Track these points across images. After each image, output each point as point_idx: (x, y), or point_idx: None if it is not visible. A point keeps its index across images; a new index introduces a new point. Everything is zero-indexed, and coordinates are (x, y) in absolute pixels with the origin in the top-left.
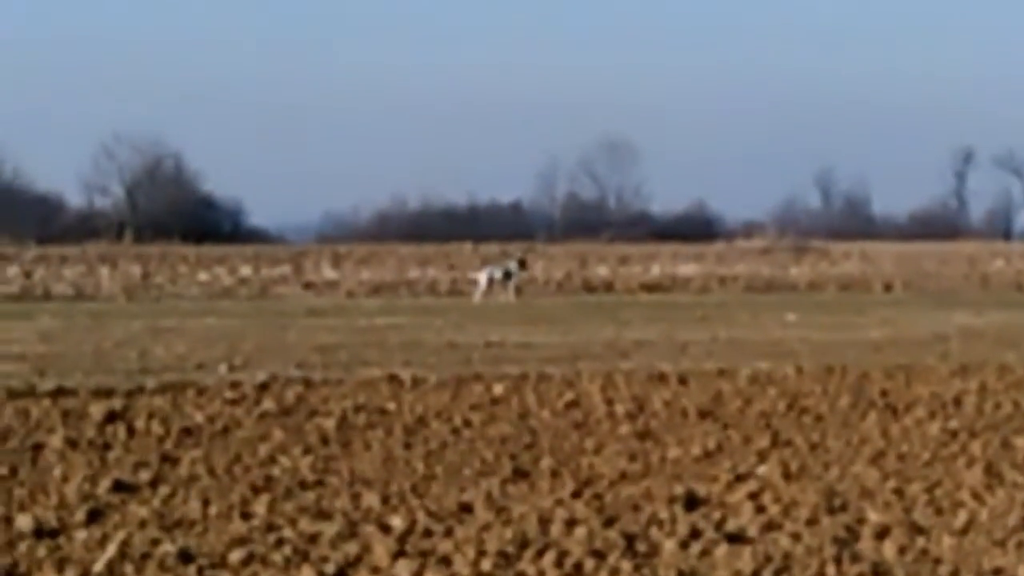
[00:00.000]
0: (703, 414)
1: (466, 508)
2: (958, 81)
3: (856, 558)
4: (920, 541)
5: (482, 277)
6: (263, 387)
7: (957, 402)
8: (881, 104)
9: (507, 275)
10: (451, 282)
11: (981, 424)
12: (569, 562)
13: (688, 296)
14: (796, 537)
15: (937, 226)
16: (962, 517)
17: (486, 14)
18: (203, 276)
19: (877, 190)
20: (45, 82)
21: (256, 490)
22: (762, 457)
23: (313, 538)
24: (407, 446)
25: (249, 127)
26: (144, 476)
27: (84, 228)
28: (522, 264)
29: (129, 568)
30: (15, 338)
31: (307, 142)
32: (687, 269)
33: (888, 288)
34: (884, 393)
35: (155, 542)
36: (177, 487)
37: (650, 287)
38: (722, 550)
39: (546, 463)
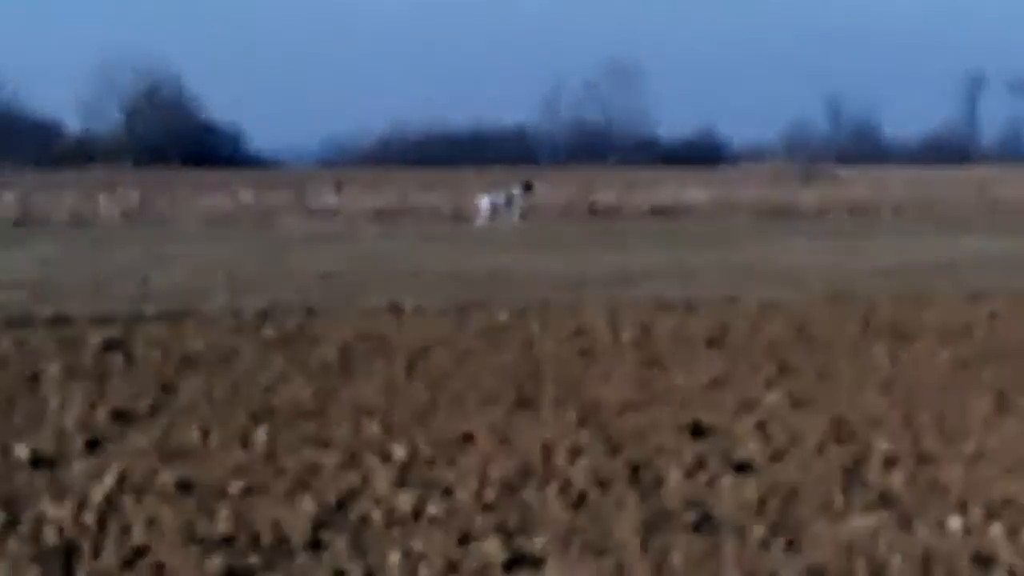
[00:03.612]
0: (710, 342)
1: (469, 437)
2: (970, 5)
3: (864, 487)
4: (928, 470)
5: (484, 202)
6: (263, 315)
7: (967, 329)
8: (891, 28)
9: (510, 200)
10: (454, 208)
11: (991, 351)
12: (573, 491)
13: (695, 222)
14: (803, 466)
15: (948, 151)
16: (971, 446)
17: None
18: (203, 202)
19: (887, 114)
20: (43, 7)
21: (256, 419)
22: (769, 385)
23: (314, 468)
24: (409, 375)
25: (248, 52)
26: (143, 405)
27: (82, 153)
28: (528, 187)
29: (128, 498)
30: (13, 265)
31: (307, 67)
32: (694, 194)
33: (898, 213)
34: (893, 320)
35: (154, 471)
36: (176, 416)
37: (656, 212)
38: (728, 480)
39: (550, 392)
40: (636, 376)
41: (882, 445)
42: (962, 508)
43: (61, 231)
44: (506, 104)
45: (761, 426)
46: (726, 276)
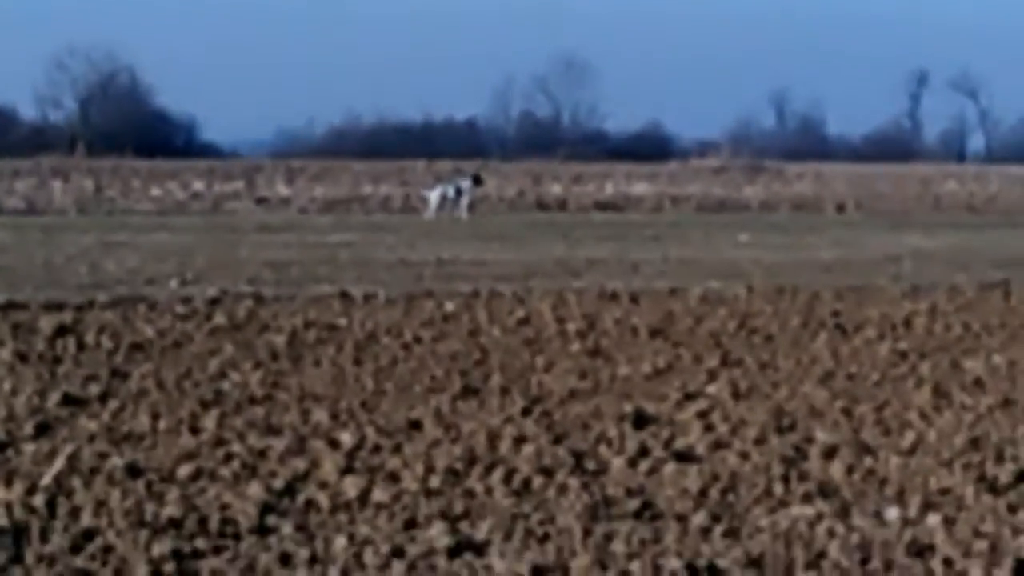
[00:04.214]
0: (654, 333)
1: (415, 425)
2: (914, 3)
3: (803, 477)
4: (867, 461)
5: (434, 195)
6: (214, 302)
7: (907, 323)
8: (837, 25)
9: (459, 192)
10: (404, 199)
11: (931, 345)
12: (517, 479)
13: (641, 215)
14: (744, 456)
15: (891, 147)
16: (909, 437)
17: None
18: (155, 191)
19: (832, 111)
20: None
21: (205, 405)
22: (712, 376)
23: (262, 453)
24: (357, 362)
25: (203, 42)
26: (94, 390)
27: (37, 141)
28: (477, 180)
29: (77, 482)
30: None
31: (261, 58)
32: (640, 188)
33: (841, 209)
34: (835, 313)
35: (103, 456)
36: (126, 401)
37: (603, 206)
38: (670, 468)
39: (496, 380)
40: (581, 366)
41: (822, 436)
42: (900, 498)
43: (14, 218)
44: (457, 98)
45: (703, 416)
46: (670, 269)
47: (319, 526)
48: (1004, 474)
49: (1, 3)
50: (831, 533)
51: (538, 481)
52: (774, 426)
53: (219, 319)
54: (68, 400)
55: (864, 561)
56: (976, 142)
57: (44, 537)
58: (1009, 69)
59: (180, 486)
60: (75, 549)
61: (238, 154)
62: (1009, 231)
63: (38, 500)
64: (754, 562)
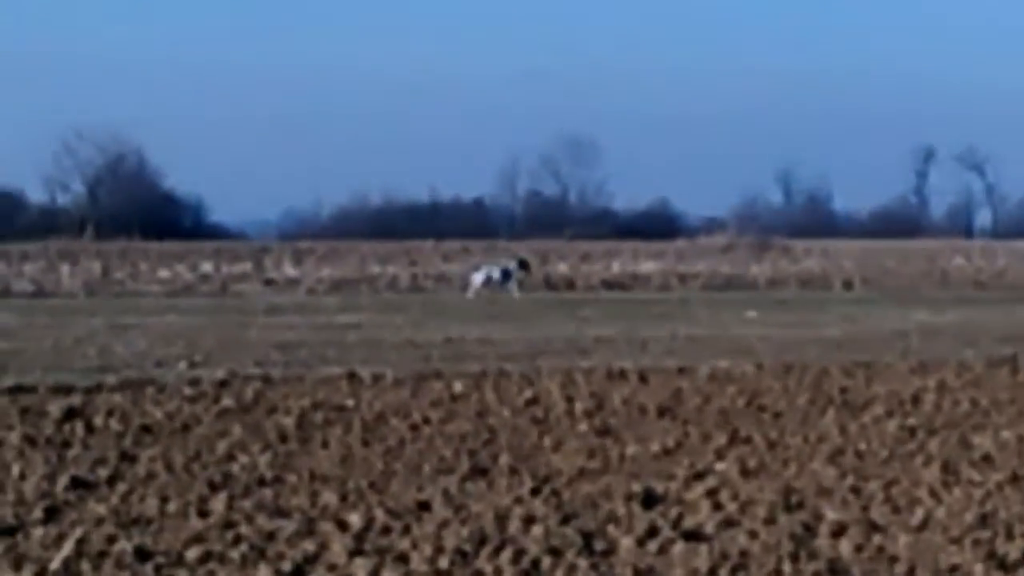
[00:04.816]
0: (662, 411)
1: (424, 506)
2: (919, 79)
3: (813, 556)
4: (877, 539)
5: (479, 276)
6: (222, 384)
7: (916, 400)
8: (843, 102)
9: (506, 275)
10: (412, 279)
11: (939, 422)
12: (526, 560)
13: (649, 293)
14: (753, 535)
15: (898, 223)
16: (919, 515)
17: (449, 11)
18: (164, 273)
19: (839, 188)
20: (6, 78)
21: (214, 487)
22: (720, 455)
23: (271, 536)
24: (366, 443)
25: (211, 124)
26: (102, 473)
27: (45, 224)
28: (524, 265)
29: (86, 566)
30: None
31: (269, 139)
32: (648, 266)
33: (848, 285)
34: (843, 390)
35: (112, 540)
36: (135, 485)
37: (611, 284)
38: (679, 548)
39: (505, 460)
40: (589, 445)
41: (831, 514)
42: None
43: (23, 301)
44: (465, 177)
45: (712, 494)
46: (679, 347)
47: None
48: (1014, 551)
49: (8, 87)
50: None
51: (547, 561)
52: (783, 504)
53: (227, 401)
54: (77, 484)
55: None
56: (983, 217)
57: None
58: (1015, 144)
59: (189, 569)
60: None
61: (246, 235)
62: (1017, 306)
63: None
64: None
